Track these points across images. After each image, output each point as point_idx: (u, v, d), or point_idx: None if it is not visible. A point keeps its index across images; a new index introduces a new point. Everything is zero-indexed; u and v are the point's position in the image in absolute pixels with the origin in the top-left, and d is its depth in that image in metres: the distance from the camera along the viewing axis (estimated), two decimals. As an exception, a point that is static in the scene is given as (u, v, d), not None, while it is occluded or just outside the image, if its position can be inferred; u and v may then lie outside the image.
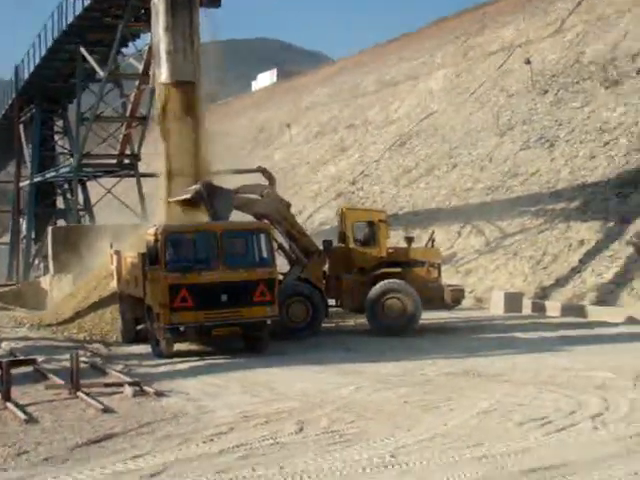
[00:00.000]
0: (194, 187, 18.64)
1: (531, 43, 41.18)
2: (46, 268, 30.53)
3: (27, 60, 35.27)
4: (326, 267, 20.25)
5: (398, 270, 19.60)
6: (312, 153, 50.38)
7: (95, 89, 31.59)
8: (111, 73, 29.51)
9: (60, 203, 37.81)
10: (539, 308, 22.85)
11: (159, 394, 12.22)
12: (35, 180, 34.92)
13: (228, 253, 16.30)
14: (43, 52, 32.72)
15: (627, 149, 27.06)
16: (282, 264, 19.80)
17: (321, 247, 20.24)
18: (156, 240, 16.13)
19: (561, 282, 24.06)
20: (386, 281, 19.30)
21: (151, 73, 22.67)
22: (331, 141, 49.73)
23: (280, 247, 20.44)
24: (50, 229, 29.28)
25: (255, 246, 16.79)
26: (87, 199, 35.90)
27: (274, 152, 55.87)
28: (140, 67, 28.30)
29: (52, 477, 8.19)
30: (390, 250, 20.12)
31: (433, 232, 22.15)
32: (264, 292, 16.32)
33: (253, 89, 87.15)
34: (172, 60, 21.64)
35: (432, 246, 20.88)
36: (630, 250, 22.97)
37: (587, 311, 21.75)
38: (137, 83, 28.46)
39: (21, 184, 37.53)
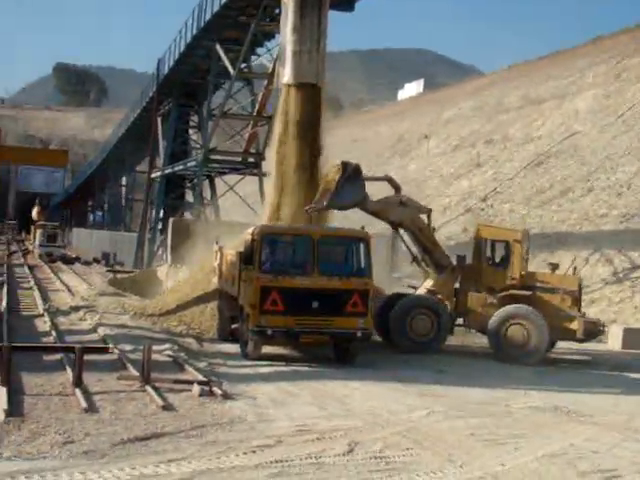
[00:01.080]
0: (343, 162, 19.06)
1: (688, 67, 39.04)
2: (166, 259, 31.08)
3: (168, 55, 36.16)
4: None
5: (527, 294, 18.49)
6: (447, 166, 49.44)
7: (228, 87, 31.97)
8: (241, 71, 29.73)
9: (190, 197, 38.51)
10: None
11: (226, 396, 11.95)
12: (165, 172, 35.67)
13: (324, 259, 15.91)
14: (182, 48, 33.40)
15: None
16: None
17: (455, 262, 19.63)
18: (253, 240, 15.94)
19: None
20: (513, 306, 18.29)
21: (276, 73, 22.57)
22: (467, 155, 48.63)
23: (414, 259, 20.28)
24: (171, 220, 29.76)
25: (353, 255, 16.33)
26: (214, 194, 36.38)
27: (410, 162, 55.23)
28: (270, 67, 28.38)
29: (80, 472, 8.01)
30: (523, 273, 18.85)
31: (574, 258, 21.01)
32: (357, 303, 15.82)
33: (399, 98, 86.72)
34: (296, 61, 21.46)
35: (573, 273, 19.77)
36: None
37: None
38: (266, 82, 28.54)
39: (153, 175, 38.46)
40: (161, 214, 36.01)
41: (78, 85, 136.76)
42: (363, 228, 16.60)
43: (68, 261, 42.78)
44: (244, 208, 34.60)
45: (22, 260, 45.61)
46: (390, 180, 22.53)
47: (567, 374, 17.04)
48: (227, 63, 29.84)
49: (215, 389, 12.18)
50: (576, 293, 18.66)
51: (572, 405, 13.00)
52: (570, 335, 18.41)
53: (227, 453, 8.78)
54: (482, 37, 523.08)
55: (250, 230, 16.52)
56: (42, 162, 70.30)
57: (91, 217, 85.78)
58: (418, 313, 18.76)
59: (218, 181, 36.20)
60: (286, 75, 21.69)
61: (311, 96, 21.66)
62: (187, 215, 34.50)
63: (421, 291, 19.65)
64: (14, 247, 59.05)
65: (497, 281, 18.85)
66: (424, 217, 20.28)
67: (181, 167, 34.38)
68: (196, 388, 12.08)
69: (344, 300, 15.75)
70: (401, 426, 10.60)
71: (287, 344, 16.54)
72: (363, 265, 16.13)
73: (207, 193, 36.51)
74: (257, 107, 30.37)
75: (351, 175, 19.11)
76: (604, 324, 19.71)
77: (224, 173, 35.33)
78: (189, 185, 37.55)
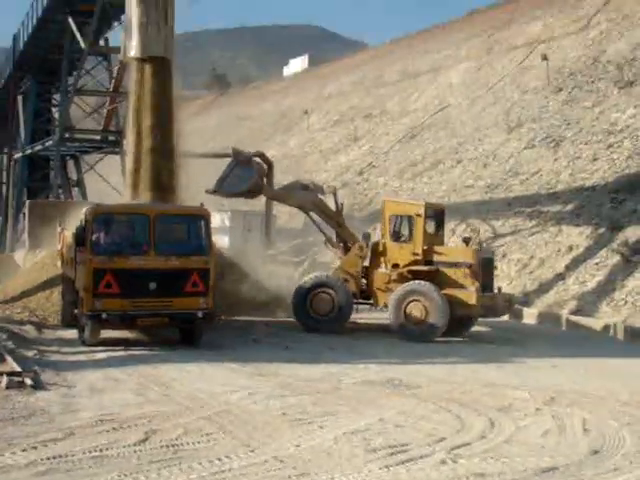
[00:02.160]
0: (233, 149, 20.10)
1: (555, 39, 39.63)
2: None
3: (22, 30, 34.55)
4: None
5: (426, 269, 18.03)
6: (326, 141, 49.27)
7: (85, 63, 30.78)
8: (91, 45, 28.62)
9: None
10: (516, 314, 21.57)
11: (37, 387, 11.29)
12: (26, 152, 34.25)
13: (161, 238, 15.30)
14: (35, 22, 31.96)
15: (630, 152, 25.61)
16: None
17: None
18: (85, 220, 15.22)
19: (544, 288, 22.81)
20: (411, 282, 17.92)
21: (122, 46, 21.68)
22: (346, 130, 48.56)
23: (326, 240, 20.21)
24: (27, 203, 28.58)
25: (191, 233, 15.80)
26: (79, 174, 35.16)
27: (290, 138, 54.85)
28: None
29: None
30: (425, 248, 18.30)
31: (478, 231, 20.62)
32: (197, 282, 15.31)
33: (285, 74, 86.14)
34: (143, 33, 20.62)
35: (479, 245, 19.36)
36: (617, 258, 21.62)
37: (563, 320, 20.49)
38: (119, 57, 27.55)
39: (15, 156, 36.92)
40: (25, 197, 34.56)
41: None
42: (202, 205, 16.04)
43: None
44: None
45: None
46: (262, 155, 22.25)
47: (418, 345, 16.92)
48: (79, 37, 28.64)
49: (26, 380, 11.49)
50: (475, 267, 17.86)
51: (406, 377, 12.82)
52: (469, 310, 17.76)
53: (4, 451, 8.15)
54: (370, 13, 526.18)
55: (84, 210, 15.78)
56: None
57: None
58: (319, 292, 18.70)
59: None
60: (133, 48, 20.84)
61: (160, 70, 20.89)
62: (52, 197, 33.16)
63: (333, 272, 19.52)
64: None
65: (402, 257, 18.49)
66: (330, 197, 20.22)
67: (39, 147, 32.99)
68: (4, 379, 11.36)
69: (183, 280, 15.23)
70: (213, 409, 10.16)
71: (125, 328, 15.86)
72: (203, 243, 15.61)
73: (74, 174, 35.28)
74: (113, 83, 29.34)
75: (242, 161, 19.61)
76: (509, 297, 19.19)
77: (86, 152, 34.13)
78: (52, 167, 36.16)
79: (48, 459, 7.86)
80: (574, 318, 20.30)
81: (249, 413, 9.97)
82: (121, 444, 8.45)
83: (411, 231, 18.57)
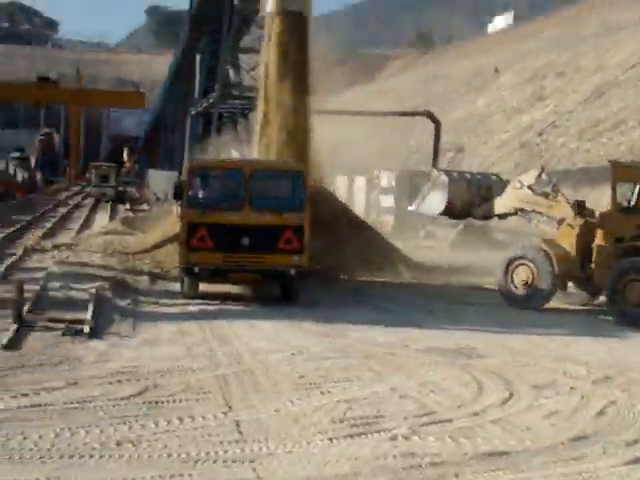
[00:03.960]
0: None
1: None
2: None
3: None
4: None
5: None
6: (512, 100, 47.29)
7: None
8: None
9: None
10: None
11: (92, 336, 11.48)
12: (198, 110, 35.20)
13: (256, 194, 15.14)
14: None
15: None
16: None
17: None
18: (184, 175, 15.36)
19: None
20: (634, 258, 15.29)
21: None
22: (534, 89, 46.36)
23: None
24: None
25: (287, 189, 15.52)
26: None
27: (479, 97, 53.14)
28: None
29: None
30: None
31: None
32: (291, 239, 15.04)
33: (489, 31, 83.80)
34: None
35: None
36: None
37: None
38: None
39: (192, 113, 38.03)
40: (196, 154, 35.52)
41: (170, 26, 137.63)
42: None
43: (121, 200, 43.27)
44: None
45: (77, 200, 46.89)
46: (430, 115, 21.63)
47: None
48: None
49: (85, 328, 11.71)
50: None
51: (483, 347, 11.90)
52: None
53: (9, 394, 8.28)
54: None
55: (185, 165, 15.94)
56: (115, 104, 71.11)
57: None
58: (520, 264, 16.49)
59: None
60: (270, 3, 20.77)
61: (297, 26, 20.67)
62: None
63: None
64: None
65: (629, 230, 15.76)
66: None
67: (206, 104, 33.80)
68: (62, 327, 11.63)
69: (276, 236, 15.00)
70: (238, 368, 9.88)
71: (217, 282, 15.86)
72: (298, 200, 15.27)
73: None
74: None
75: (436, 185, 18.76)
76: None
77: (249, 110, 34.57)
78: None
79: (29, 406, 7.91)
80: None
81: (269, 374, 9.60)
82: (110, 397, 8.36)
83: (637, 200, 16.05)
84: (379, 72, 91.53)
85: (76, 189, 57.61)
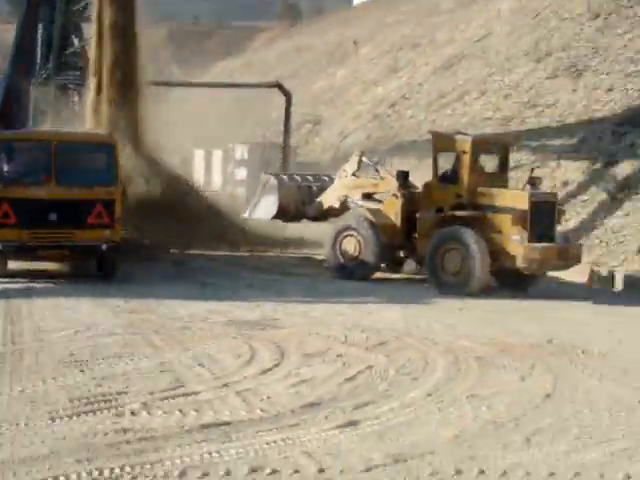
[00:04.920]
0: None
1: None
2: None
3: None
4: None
5: (467, 214, 15.64)
6: (370, 73, 47.64)
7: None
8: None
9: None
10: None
11: None
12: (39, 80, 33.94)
13: (64, 167, 14.71)
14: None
15: (646, 82, 23.60)
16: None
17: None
18: (-11, 148, 14.69)
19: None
20: (450, 228, 15.77)
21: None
22: (390, 61, 46.82)
23: None
24: None
25: (97, 162, 15.11)
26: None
27: (339, 69, 53.32)
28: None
29: None
30: (479, 190, 15.88)
31: (532, 170, 17.61)
32: (101, 214, 14.72)
33: (354, 3, 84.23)
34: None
35: (535, 187, 16.31)
36: (604, 196, 19.96)
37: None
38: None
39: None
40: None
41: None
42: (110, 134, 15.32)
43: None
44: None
45: None
46: (280, 86, 21.27)
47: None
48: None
49: None
50: (525, 214, 15.36)
51: (286, 317, 11.94)
52: (510, 262, 15.34)
53: None
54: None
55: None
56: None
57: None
58: (347, 235, 16.95)
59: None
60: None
61: (123, 5, 20.19)
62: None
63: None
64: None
65: (447, 200, 16.14)
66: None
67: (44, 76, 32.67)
68: None
69: (86, 211, 14.67)
70: (11, 348, 9.53)
71: (25, 259, 15.33)
72: (109, 173, 14.90)
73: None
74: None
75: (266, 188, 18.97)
76: (578, 252, 16.26)
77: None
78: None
79: None
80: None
81: (39, 354, 9.30)
82: None
83: (456, 170, 16.25)
84: (250, 44, 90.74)
85: None
